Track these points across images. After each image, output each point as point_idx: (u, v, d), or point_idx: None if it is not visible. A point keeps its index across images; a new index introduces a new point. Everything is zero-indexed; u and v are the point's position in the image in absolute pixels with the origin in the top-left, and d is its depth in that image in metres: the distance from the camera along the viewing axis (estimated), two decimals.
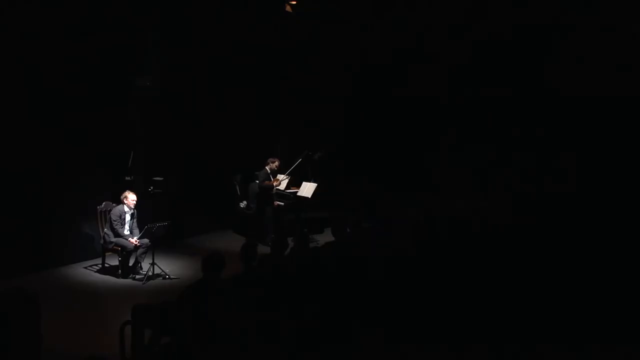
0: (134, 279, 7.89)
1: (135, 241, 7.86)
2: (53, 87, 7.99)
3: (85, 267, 8.31)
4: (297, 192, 10.25)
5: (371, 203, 10.89)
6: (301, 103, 12.02)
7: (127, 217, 8.06)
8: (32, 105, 7.81)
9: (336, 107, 12.20)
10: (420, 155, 11.85)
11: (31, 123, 7.80)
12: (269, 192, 9.97)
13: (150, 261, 7.96)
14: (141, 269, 8.07)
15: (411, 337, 4.96)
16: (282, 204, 10.26)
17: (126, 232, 8.03)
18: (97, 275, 8.08)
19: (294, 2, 10.83)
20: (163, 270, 8.05)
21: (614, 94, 9.80)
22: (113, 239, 7.95)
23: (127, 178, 9.33)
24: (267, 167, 10.00)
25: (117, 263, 8.01)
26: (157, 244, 8.11)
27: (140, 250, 7.96)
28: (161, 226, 7.89)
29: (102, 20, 8.47)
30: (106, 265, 8.19)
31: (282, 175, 10.27)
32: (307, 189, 10.06)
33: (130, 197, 8.03)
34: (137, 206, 8.14)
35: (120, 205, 8.03)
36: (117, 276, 7.93)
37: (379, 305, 5.22)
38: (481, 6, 10.74)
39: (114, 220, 7.94)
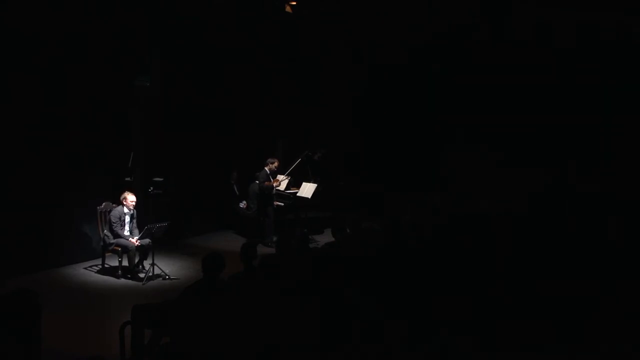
0: (134, 279, 7.89)
1: (136, 241, 7.86)
2: (53, 87, 8.00)
3: (85, 268, 8.31)
4: (297, 192, 10.25)
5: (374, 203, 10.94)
6: (302, 104, 12.04)
7: (127, 219, 8.04)
8: (32, 106, 7.81)
9: (338, 107, 12.24)
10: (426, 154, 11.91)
11: (31, 123, 7.81)
12: (269, 193, 9.98)
13: (150, 261, 7.97)
14: (143, 268, 8.07)
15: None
16: (282, 204, 10.26)
17: (126, 232, 8.02)
18: (97, 275, 8.08)
19: (294, 3, 10.83)
20: (163, 271, 8.05)
21: None
22: (113, 240, 7.94)
23: (127, 178, 9.34)
24: (266, 168, 10.00)
25: (117, 263, 8.01)
26: (157, 244, 8.13)
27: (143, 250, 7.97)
28: (161, 226, 7.89)
29: (102, 20, 8.48)
30: (106, 265, 8.18)
31: (282, 176, 10.27)
32: (307, 190, 10.07)
33: (130, 198, 8.02)
34: (136, 207, 8.14)
35: (120, 207, 8.02)
36: (117, 276, 7.93)
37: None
38: None
39: (114, 222, 7.93)
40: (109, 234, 7.99)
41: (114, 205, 8.18)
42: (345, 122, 12.39)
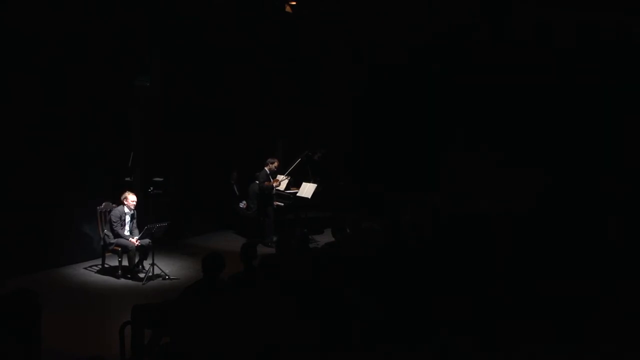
0: (134, 279, 7.89)
1: (136, 241, 7.85)
2: (53, 87, 8.00)
3: (85, 268, 8.31)
4: (297, 192, 10.25)
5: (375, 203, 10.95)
6: (302, 104, 12.04)
7: (127, 218, 8.04)
8: (32, 106, 7.81)
9: (338, 107, 12.24)
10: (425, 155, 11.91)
11: (31, 123, 7.80)
12: (269, 193, 9.98)
13: (150, 261, 7.97)
14: (143, 268, 8.07)
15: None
16: (282, 204, 10.26)
17: (126, 232, 8.02)
18: (97, 275, 8.08)
19: (294, 3, 10.83)
20: (163, 271, 8.05)
21: None
22: (113, 240, 7.94)
23: (127, 178, 9.35)
24: (266, 168, 10.00)
25: (117, 263, 8.01)
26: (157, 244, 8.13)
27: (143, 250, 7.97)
28: (161, 226, 7.89)
29: (102, 20, 8.48)
30: (106, 265, 8.18)
31: (282, 176, 10.27)
32: (307, 190, 10.07)
33: (131, 198, 8.02)
34: (136, 207, 8.14)
35: (120, 207, 8.02)
36: (117, 276, 7.93)
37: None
38: None
39: (114, 222, 7.93)
40: (109, 233, 7.99)
41: (114, 205, 8.18)
42: (345, 122, 12.38)
